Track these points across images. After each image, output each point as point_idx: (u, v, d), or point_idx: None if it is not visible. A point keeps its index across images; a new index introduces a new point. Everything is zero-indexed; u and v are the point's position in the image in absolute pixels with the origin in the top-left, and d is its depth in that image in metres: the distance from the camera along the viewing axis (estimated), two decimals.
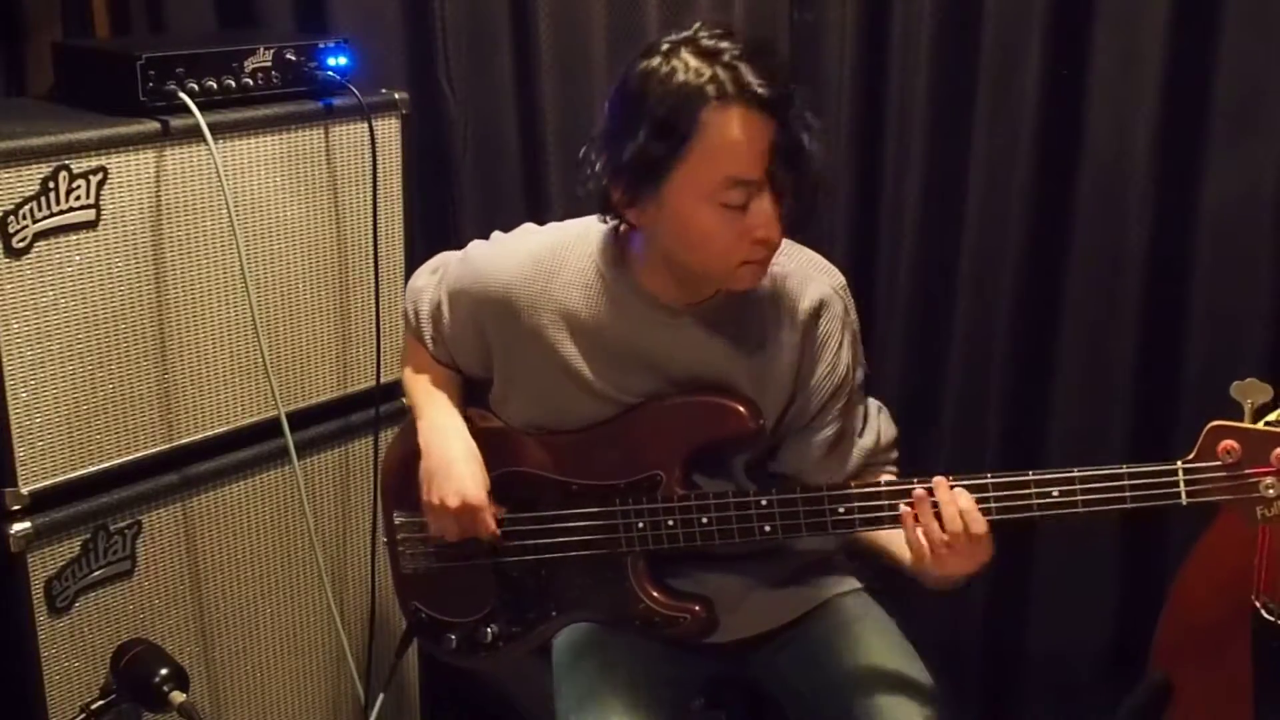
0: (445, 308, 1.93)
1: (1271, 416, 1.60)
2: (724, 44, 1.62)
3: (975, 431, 2.56)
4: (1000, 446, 2.53)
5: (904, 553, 1.73)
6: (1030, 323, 2.49)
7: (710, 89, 1.59)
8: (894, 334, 2.58)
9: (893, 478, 1.87)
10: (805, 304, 1.80)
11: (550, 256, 1.83)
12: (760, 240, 1.66)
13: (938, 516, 1.64)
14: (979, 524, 1.63)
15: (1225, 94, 2.28)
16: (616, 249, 1.81)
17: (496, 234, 1.96)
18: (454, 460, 1.86)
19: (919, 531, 1.65)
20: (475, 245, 1.95)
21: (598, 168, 1.70)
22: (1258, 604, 1.99)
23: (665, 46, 1.65)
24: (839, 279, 1.85)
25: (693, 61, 1.61)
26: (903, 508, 1.67)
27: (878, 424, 1.90)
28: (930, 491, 1.66)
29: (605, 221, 1.78)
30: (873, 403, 1.91)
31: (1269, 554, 1.98)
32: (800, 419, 1.83)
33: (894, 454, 1.92)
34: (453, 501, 1.84)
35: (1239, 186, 2.30)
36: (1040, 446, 2.51)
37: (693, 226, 1.66)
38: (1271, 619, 1.99)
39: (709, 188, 1.63)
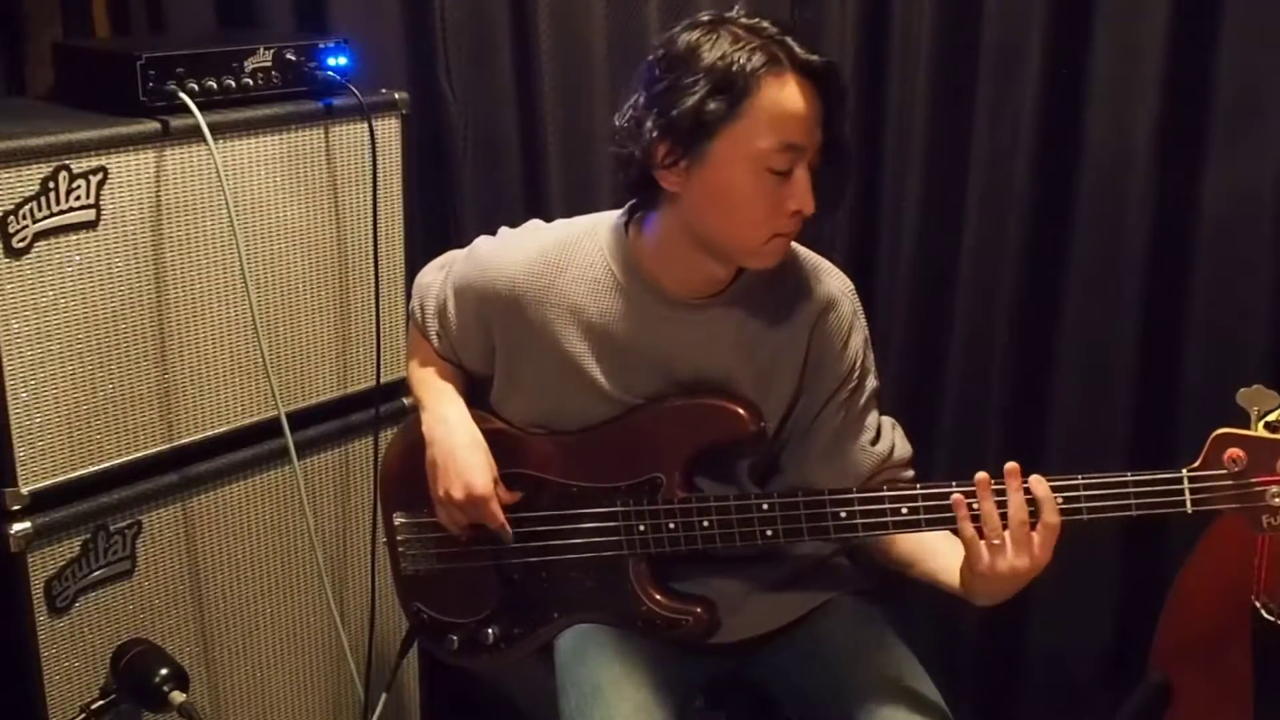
0: (451, 304, 1.93)
1: (1272, 417, 1.60)
2: (764, 23, 1.68)
3: (975, 432, 2.56)
4: (1000, 447, 2.53)
5: (947, 571, 1.71)
6: (1030, 323, 2.49)
7: (762, 56, 1.64)
8: (894, 334, 2.58)
9: None
10: (813, 303, 1.81)
11: (558, 251, 1.83)
12: (795, 211, 1.68)
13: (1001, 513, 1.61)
14: (1053, 514, 1.59)
15: (1225, 94, 2.28)
16: (626, 242, 1.81)
17: (503, 229, 1.96)
18: (458, 449, 1.85)
19: (976, 525, 1.60)
20: (481, 241, 1.95)
21: (647, 124, 1.69)
22: (1257, 604, 2.00)
23: (706, 19, 1.70)
24: (848, 283, 1.86)
25: (741, 33, 1.66)
26: (956, 496, 1.62)
27: (892, 437, 1.89)
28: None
29: (629, 190, 1.78)
30: (886, 419, 1.91)
31: (1269, 555, 1.98)
32: (805, 419, 1.84)
33: (909, 472, 1.89)
34: (458, 493, 1.84)
35: (1239, 186, 2.30)
36: (1040, 447, 2.51)
37: (734, 191, 1.67)
38: (1271, 619, 1.99)
39: (759, 150, 1.65)
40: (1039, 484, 1.61)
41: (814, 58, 1.66)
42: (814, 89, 1.66)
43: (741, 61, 1.63)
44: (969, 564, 1.64)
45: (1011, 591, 1.65)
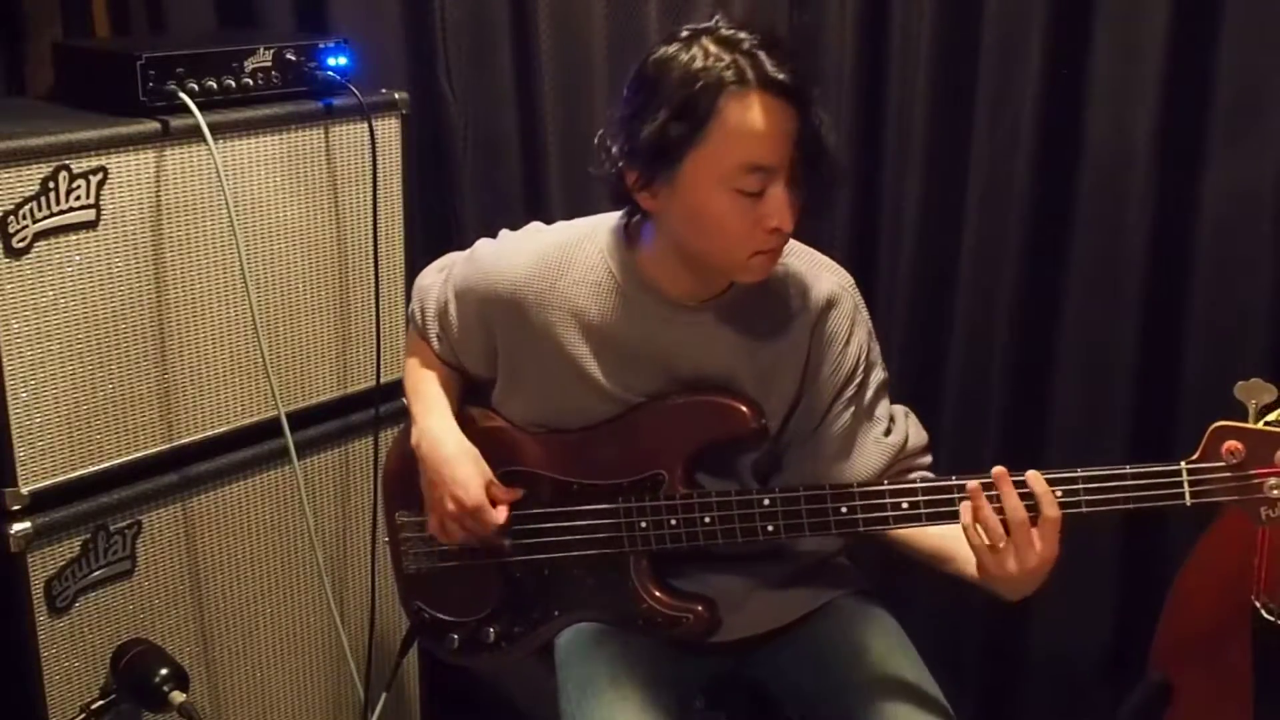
0: (452, 306, 1.93)
1: (1272, 416, 1.60)
2: (742, 34, 1.64)
3: (975, 432, 2.56)
4: (1000, 447, 2.53)
5: (968, 561, 1.68)
6: (1030, 323, 2.49)
7: (730, 74, 1.61)
8: (894, 333, 2.58)
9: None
10: (814, 302, 1.81)
11: (559, 254, 1.83)
12: (773, 230, 1.66)
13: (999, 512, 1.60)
14: (1052, 507, 1.58)
15: (1225, 94, 2.28)
16: (625, 245, 1.81)
17: (504, 232, 1.96)
18: (445, 463, 1.85)
19: (977, 528, 1.60)
20: (482, 243, 1.95)
21: (614, 150, 1.70)
22: (1257, 604, 2.00)
23: (684, 34, 1.67)
24: (848, 278, 1.86)
25: (712, 48, 1.63)
26: (966, 520, 1.61)
27: (906, 426, 1.88)
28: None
29: (618, 206, 1.78)
30: (899, 408, 1.90)
31: (1269, 554, 1.99)
32: (809, 419, 1.83)
33: (926, 459, 1.88)
34: (450, 506, 1.84)
35: (1239, 186, 2.30)
36: (1040, 446, 2.51)
37: (706, 212, 1.66)
38: (1271, 619, 1.99)
39: (725, 172, 1.63)
40: (1035, 480, 1.60)
41: (780, 75, 1.61)
42: (783, 105, 1.62)
43: (703, 84, 1.61)
44: (980, 567, 1.64)
45: (1034, 584, 1.63)
